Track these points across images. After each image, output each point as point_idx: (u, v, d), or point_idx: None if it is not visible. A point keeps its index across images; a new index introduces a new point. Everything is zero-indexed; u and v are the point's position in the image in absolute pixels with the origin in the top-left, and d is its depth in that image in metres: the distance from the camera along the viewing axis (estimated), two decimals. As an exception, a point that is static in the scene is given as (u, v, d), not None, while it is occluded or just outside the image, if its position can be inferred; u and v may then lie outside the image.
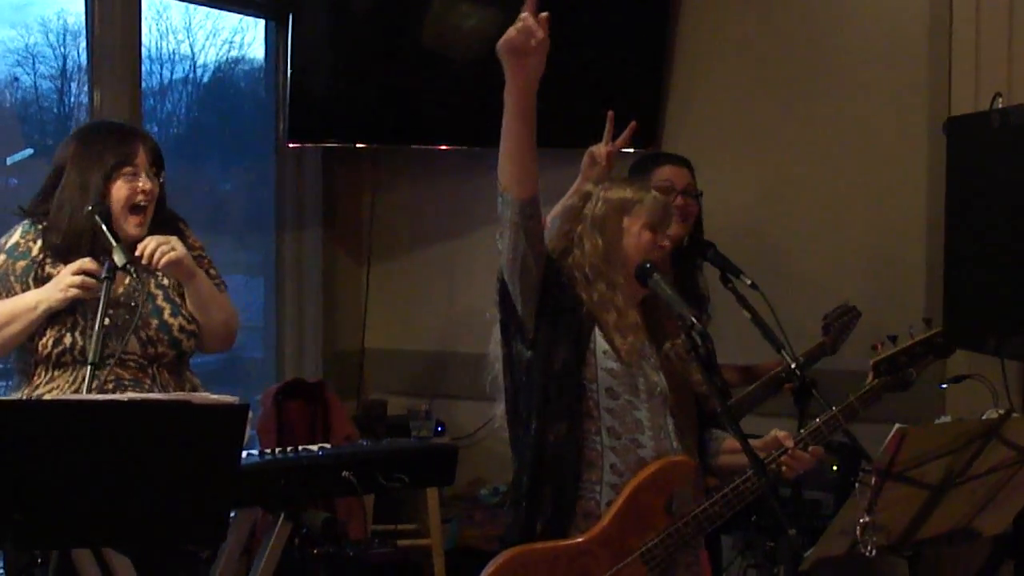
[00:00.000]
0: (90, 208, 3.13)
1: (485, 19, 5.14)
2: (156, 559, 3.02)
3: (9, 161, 4.40)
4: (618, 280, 3.01)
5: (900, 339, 3.30)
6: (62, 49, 4.55)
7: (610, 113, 3.50)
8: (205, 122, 5.57)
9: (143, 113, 4.65)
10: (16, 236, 3.35)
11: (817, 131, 4.89)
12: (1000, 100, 4.19)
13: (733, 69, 5.01)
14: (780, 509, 2.81)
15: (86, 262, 3.17)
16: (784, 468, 2.96)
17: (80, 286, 3.13)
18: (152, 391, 3.25)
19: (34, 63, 4.51)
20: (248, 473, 2.87)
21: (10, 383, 3.47)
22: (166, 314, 3.33)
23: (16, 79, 4.50)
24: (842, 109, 4.85)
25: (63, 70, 4.58)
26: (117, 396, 2.53)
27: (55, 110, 4.73)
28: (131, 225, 3.30)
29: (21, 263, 3.30)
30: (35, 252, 3.31)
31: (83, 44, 4.38)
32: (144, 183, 3.30)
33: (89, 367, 2.78)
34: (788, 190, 4.95)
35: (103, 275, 3.03)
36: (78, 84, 4.51)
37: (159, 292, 3.35)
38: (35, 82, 4.57)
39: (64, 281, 3.15)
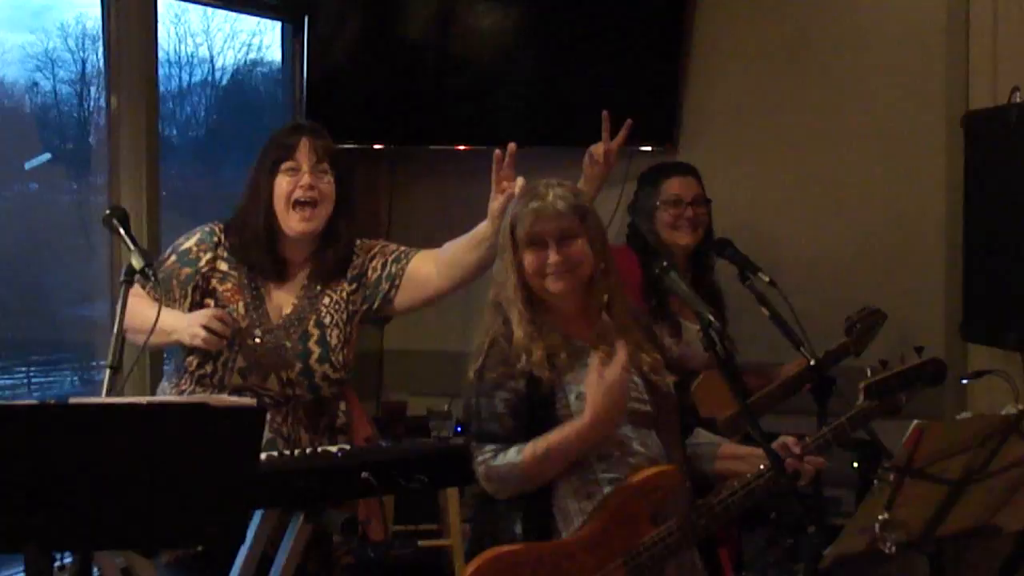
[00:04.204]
0: (107, 212, 3.14)
1: (503, 19, 5.15)
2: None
3: (27, 166, 4.42)
4: (519, 311, 2.94)
5: (891, 363, 3.28)
6: (81, 53, 4.56)
7: (605, 112, 3.45)
8: (224, 125, 5.58)
9: (162, 116, 4.66)
10: (191, 241, 3.40)
11: (834, 127, 4.88)
12: (1018, 94, 4.19)
13: (750, 66, 5.00)
14: (800, 507, 2.81)
15: (214, 318, 3.18)
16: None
17: (204, 341, 3.17)
18: (282, 429, 3.30)
19: (53, 68, 4.52)
20: (267, 474, 2.88)
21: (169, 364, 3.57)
22: (312, 359, 3.33)
23: (36, 84, 4.51)
24: (860, 105, 4.84)
25: (82, 74, 4.59)
26: (136, 399, 2.54)
27: (75, 115, 4.74)
28: (294, 220, 3.32)
29: (186, 270, 3.35)
30: (202, 263, 3.36)
31: (101, 48, 4.39)
32: (305, 178, 3.30)
33: (108, 371, 2.79)
34: (805, 187, 4.94)
35: (122, 279, 3.03)
36: (97, 88, 4.51)
37: (316, 332, 3.36)
38: (55, 87, 4.58)
39: (194, 329, 3.17)
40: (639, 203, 4.14)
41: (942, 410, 4.37)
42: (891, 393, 3.16)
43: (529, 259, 2.94)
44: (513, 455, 2.87)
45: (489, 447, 2.91)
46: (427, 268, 3.42)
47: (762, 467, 2.91)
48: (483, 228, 3.28)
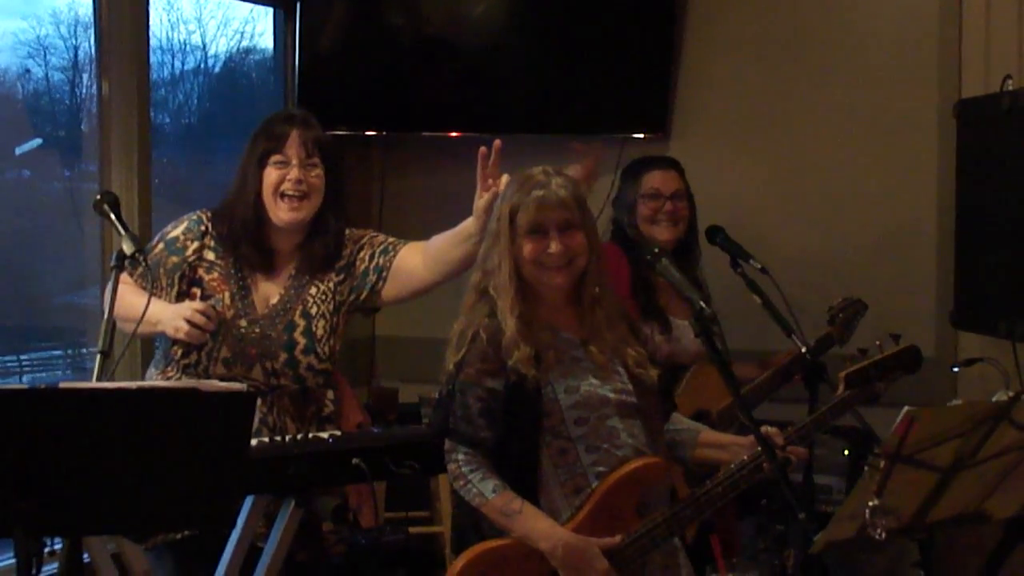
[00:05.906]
0: (98, 197, 3.13)
1: (495, 6, 5.14)
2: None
3: (18, 151, 4.41)
4: (510, 302, 2.92)
5: (870, 352, 3.30)
6: (73, 40, 4.54)
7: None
8: (216, 112, 5.57)
9: (154, 103, 4.65)
10: (179, 230, 3.39)
11: (827, 115, 4.88)
12: (1010, 82, 4.18)
13: (742, 54, 4.99)
14: (791, 493, 2.81)
15: (197, 312, 3.18)
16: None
17: (186, 334, 3.17)
18: (267, 418, 3.29)
19: (45, 55, 4.51)
20: (258, 460, 2.88)
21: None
22: (297, 350, 3.33)
23: (28, 71, 4.50)
24: (852, 93, 4.84)
25: (74, 61, 4.58)
26: (126, 384, 2.54)
27: (67, 101, 4.73)
28: (282, 210, 3.31)
29: (174, 259, 3.34)
30: (189, 252, 3.35)
31: (94, 35, 4.38)
32: (294, 172, 3.30)
33: (99, 356, 2.78)
34: (798, 175, 4.94)
35: (112, 263, 3.02)
36: (89, 75, 4.50)
37: (302, 322, 3.35)
38: (47, 73, 4.57)
39: (177, 323, 3.17)
40: (621, 196, 4.11)
41: (932, 397, 4.38)
42: (869, 381, 3.19)
43: (529, 247, 2.92)
44: (487, 488, 2.88)
45: (463, 451, 2.92)
46: (414, 261, 3.42)
47: (745, 458, 2.91)
48: (468, 224, 3.28)
